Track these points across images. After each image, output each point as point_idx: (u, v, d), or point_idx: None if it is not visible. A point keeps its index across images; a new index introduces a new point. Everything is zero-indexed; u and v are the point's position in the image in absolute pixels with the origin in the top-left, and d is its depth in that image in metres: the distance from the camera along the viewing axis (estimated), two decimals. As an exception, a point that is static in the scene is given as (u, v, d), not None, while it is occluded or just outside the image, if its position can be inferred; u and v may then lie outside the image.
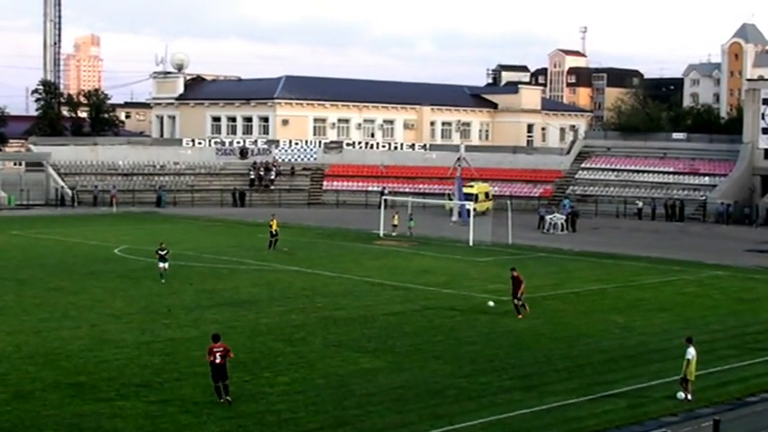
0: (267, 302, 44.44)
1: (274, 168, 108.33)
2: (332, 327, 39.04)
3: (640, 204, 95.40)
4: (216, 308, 42.86)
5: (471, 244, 67.62)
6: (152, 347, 34.91)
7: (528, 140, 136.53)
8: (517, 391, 29.90)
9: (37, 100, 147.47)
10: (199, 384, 29.69)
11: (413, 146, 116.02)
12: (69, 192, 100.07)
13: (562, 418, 27.23)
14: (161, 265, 49.77)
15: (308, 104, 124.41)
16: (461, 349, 35.54)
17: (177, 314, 41.22)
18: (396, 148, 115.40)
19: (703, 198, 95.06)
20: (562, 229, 79.42)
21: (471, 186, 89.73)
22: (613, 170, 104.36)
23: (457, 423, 26.41)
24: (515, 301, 41.65)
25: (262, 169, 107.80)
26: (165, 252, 50.10)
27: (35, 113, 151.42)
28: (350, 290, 48.47)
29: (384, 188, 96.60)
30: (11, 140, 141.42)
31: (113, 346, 35.14)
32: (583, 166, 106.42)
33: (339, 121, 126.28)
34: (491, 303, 40.32)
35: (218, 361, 27.71)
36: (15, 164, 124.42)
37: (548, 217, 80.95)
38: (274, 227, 64.86)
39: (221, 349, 27.97)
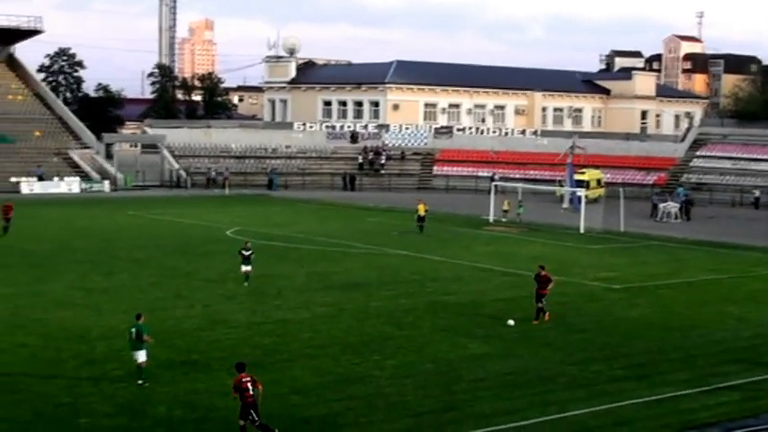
0: (377, 286, 44.55)
1: (384, 153, 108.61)
2: (441, 311, 38.99)
3: (757, 193, 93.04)
4: (326, 290, 43.12)
5: (582, 231, 66.88)
6: (263, 328, 35.31)
7: (642, 127, 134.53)
8: (629, 380, 29.47)
9: (153, 83, 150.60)
10: (308, 366, 29.95)
11: (524, 131, 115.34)
12: (183, 173, 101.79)
13: (674, 409, 26.77)
14: (244, 268, 43.86)
15: (418, 89, 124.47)
16: (572, 337, 35.20)
17: (288, 296, 41.60)
18: (506, 133, 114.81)
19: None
20: (676, 218, 78.05)
21: (583, 173, 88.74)
22: (730, 158, 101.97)
23: (567, 411, 26.14)
24: (539, 304, 37.60)
25: (372, 153, 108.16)
26: (249, 252, 44.01)
27: (150, 96, 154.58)
28: (459, 275, 48.34)
29: (494, 174, 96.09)
30: (127, 122, 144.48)
31: (225, 325, 35.65)
32: (698, 153, 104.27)
33: (450, 106, 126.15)
34: (510, 322, 36.82)
35: (251, 392, 23.26)
36: (132, 145, 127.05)
37: (661, 205, 79.61)
38: (421, 211, 65.08)
39: (249, 380, 23.37)
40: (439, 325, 36.54)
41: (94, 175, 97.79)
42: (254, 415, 23.00)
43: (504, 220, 72.76)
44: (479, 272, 49.51)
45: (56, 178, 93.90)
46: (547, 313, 37.44)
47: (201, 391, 27.07)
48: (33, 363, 29.83)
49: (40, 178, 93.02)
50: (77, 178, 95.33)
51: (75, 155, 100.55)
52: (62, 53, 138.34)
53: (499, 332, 35.33)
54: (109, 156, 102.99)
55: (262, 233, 62.06)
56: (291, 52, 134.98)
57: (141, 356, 27.75)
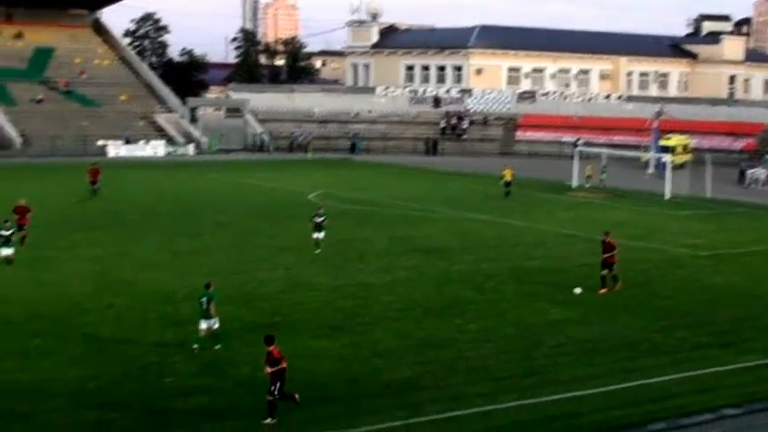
0: (459, 251, 44.49)
1: (467, 117, 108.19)
2: (523, 277, 38.83)
3: None
4: (408, 254, 43.17)
5: (667, 197, 66.08)
6: (345, 291, 35.49)
7: (729, 92, 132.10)
8: (713, 347, 29.10)
9: (236, 48, 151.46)
10: (390, 329, 30.09)
11: (608, 96, 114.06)
12: (266, 137, 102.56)
13: (760, 376, 26.37)
14: (316, 235, 42.77)
15: (502, 54, 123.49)
16: (655, 303, 34.83)
17: (370, 259, 41.74)
18: (591, 98, 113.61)
19: None
20: (764, 184, 76.67)
21: (669, 139, 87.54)
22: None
23: (649, 377, 25.90)
24: (604, 271, 36.45)
25: (454, 118, 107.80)
26: (322, 219, 42.89)
27: (234, 61, 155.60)
28: (542, 240, 48.09)
29: (577, 139, 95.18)
30: (211, 87, 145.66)
31: (308, 288, 35.88)
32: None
33: (533, 70, 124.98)
34: (577, 290, 35.42)
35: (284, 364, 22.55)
36: (216, 110, 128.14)
37: (749, 171, 78.28)
38: (508, 176, 64.93)
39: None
40: (521, 290, 36.41)
41: (179, 138, 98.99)
42: (277, 387, 22.23)
43: (587, 185, 72.15)
44: (562, 237, 49.20)
45: (141, 142, 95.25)
46: (618, 283, 36.41)
47: (283, 353, 27.22)
48: (120, 323, 30.37)
49: (127, 142, 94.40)
50: (162, 142, 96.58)
51: (161, 119, 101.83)
52: (147, 18, 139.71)
53: (581, 298, 35.02)
54: (193, 120, 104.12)
55: (344, 197, 62.34)
56: (374, 17, 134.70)
57: (215, 324, 27.44)
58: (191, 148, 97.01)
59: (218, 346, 27.45)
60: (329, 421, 22.33)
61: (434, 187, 71.65)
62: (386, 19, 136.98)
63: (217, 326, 27.52)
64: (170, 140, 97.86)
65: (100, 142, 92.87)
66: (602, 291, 36.14)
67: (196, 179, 73.31)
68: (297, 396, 22.72)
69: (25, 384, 24.37)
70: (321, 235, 42.78)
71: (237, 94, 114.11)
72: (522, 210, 59.20)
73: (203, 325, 27.50)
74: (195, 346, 27.36)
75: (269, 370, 22.31)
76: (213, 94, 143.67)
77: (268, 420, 22.06)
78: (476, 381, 25.41)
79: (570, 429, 22.35)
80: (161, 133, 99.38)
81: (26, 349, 27.29)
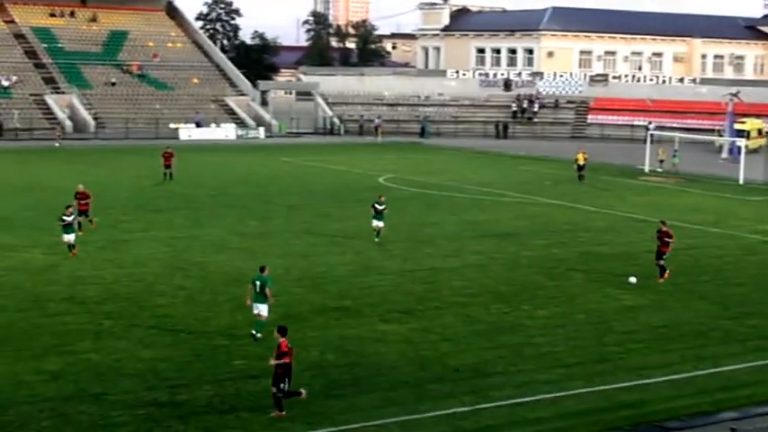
0: (529, 235, 44.27)
1: (538, 101, 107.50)
2: (593, 262, 38.54)
3: None
4: (477, 239, 43.06)
5: (742, 182, 65.12)
6: (414, 275, 35.49)
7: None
8: (787, 336, 28.70)
9: (307, 31, 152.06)
10: (459, 314, 30.05)
11: (682, 80, 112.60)
12: (337, 120, 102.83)
13: (835, 366, 25.97)
14: (375, 223, 41.56)
15: (573, 36, 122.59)
16: (728, 290, 34.37)
17: (439, 244, 41.69)
18: (664, 81, 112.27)
19: None
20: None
21: (743, 123, 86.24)
22: None
23: (721, 366, 25.61)
24: (660, 261, 35.44)
25: (525, 101, 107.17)
26: (383, 207, 41.55)
27: (305, 44, 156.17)
28: (612, 225, 47.69)
29: (649, 122, 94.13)
30: (282, 70, 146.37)
31: (377, 272, 35.94)
32: None
33: (605, 53, 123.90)
34: (632, 279, 34.34)
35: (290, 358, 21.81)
36: (286, 93, 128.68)
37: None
38: (581, 160, 64.83)
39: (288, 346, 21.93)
40: (591, 276, 36.13)
41: (250, 121, 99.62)
42: (287, 383, 21.58)
43: (659, 170, 71.35)
44: (633, 223, 48.70)
45: (213, 125, 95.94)
46: (667, 272, 35.43)
47: (353, 336, 27.42)
48: (191, 305, 30.69)
49: (198, 125, 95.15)
50: (233, 125, 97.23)
51: (232, 102, 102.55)
52: (219, 1, 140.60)
53: (652, 284, 34.65)
54: (264, 103, 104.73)
55: (414, 181, 62.32)
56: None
57: (264, 310, 27.06)
58: (261, 132, 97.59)
59: (254, 332, 26.93)
60: (397, 405, 22.37)
61: (505, 171, 71.36)
62: (457, 1, 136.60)
63: (266, 314, 27.08)
64: (241, 123, 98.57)
65: (172, 125, 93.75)
66: (666, 277, 35.33)
67: (267, 162, 73.75)
68: (303, 391, 22.05)
69: (98, 365, 24.75)
70: (381, 223, 41.63)
71: (308, 78, 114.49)
72: (592, 194, 58.74)
73: (255, 311, 27.17)
74: (254, 331, 27.06)
75: (272, 362, 21.71)
76: (284, 77, 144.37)
77: (274, 414, 21.50)
78: (545, 367, 25.30)
79: (640, 417, 22.14)
80: (232, 116, 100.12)
81: (99, 330, 27.72)
